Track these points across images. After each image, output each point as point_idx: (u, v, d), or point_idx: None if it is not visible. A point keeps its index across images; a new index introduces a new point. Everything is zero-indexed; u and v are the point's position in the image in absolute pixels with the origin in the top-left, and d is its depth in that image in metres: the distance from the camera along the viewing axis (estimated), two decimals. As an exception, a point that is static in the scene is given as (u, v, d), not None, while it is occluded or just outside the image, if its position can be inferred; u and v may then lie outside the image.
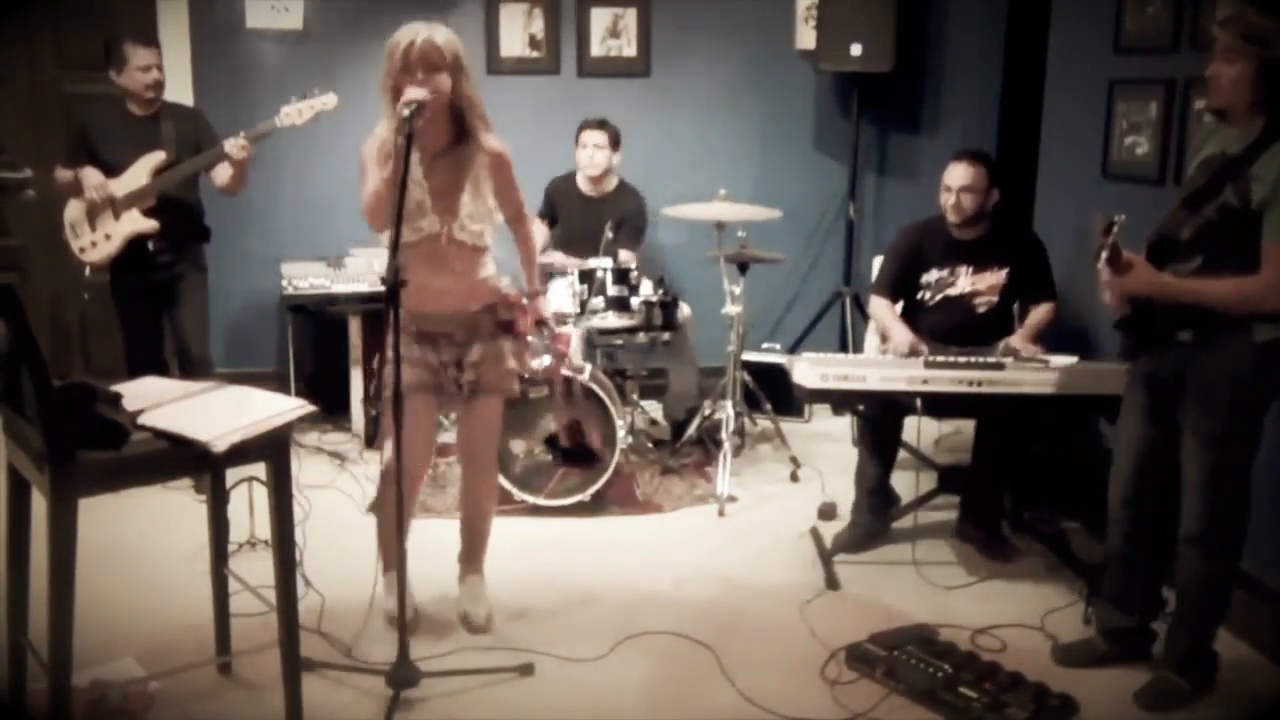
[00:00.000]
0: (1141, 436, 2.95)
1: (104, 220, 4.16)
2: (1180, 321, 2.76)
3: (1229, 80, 2.64)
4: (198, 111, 4.48)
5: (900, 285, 4.06)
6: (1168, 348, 2.81)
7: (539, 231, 4.98)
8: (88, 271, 4.24)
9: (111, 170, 4.13)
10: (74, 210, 4.20)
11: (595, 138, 4.88)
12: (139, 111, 4.21)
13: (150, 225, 4.16)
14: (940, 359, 3.57)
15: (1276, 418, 2.97)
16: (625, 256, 4.85)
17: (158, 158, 4.16)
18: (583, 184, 4.99)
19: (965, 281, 3.97)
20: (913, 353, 3.74)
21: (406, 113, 2.70)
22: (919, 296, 4.04)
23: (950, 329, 3.93)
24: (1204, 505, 2.80)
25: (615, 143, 4.92)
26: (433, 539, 3.57)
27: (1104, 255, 2.71)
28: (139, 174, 4.14)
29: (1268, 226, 2.60)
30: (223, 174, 4.23)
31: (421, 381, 3.07)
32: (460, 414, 3.28)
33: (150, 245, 4.20)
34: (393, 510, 2.85)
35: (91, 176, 4.10)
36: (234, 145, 4.07)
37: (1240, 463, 2.79)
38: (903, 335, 3.86)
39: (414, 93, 2.76)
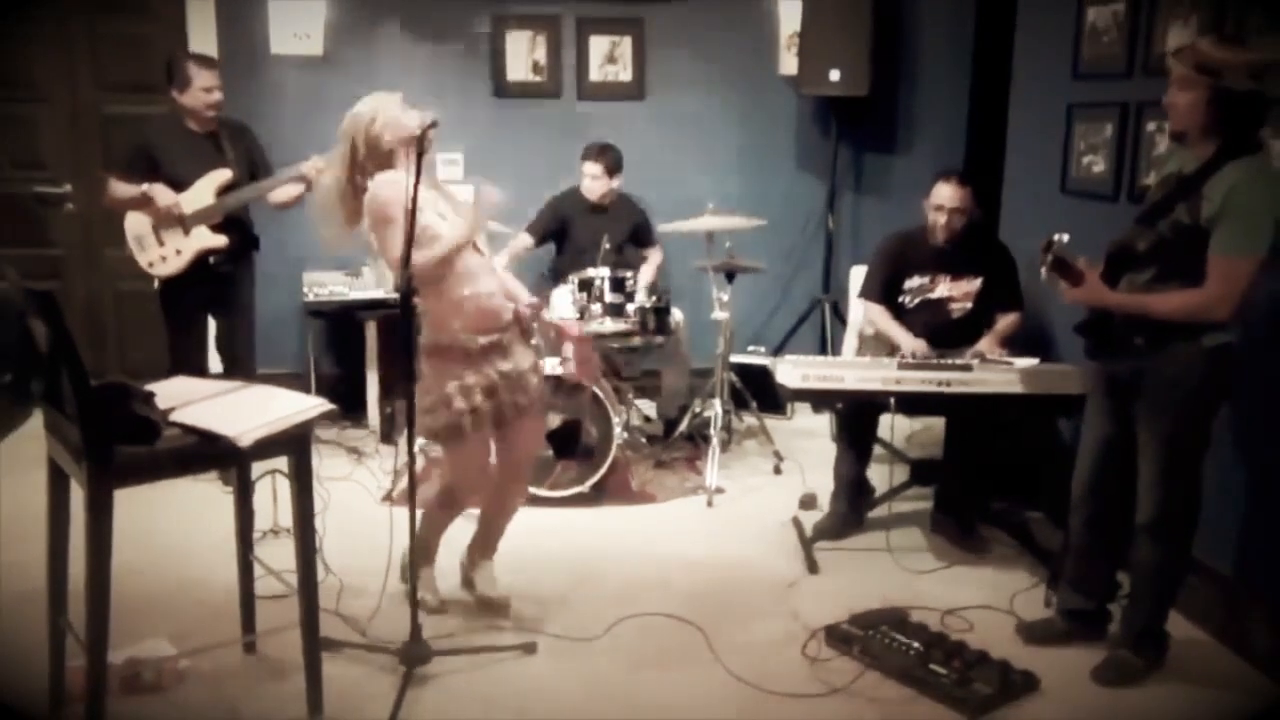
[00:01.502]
0: (1102, 434, 2.96)
1: (172, 235, 4.06)
2: (1134, 328, 2.77)
3: (1184, 107, 2.65)
4: (246, 126, 4.38)
5: (888, 291, 4.06)
6: (1125, 351, 2.82)
7: (521, 241, 4.87)
8: (156, 284, 4.15)
9: (175, 186, 4.03)
10: (138, 224, 4.08)
11: (592, 169, 4.82)
12: (198, 129, 4.13)
13: (221, 241, 4.09)
14: (912, 360, 3.57)
15: (1224, 418, 2.98)
16: (654, 256, 5.01)
17: (224, 175, 4.09)
18: (589, 194, 4.97)
19: (943, 288, 3.97)
20: (921, 353, 3.73)
21: (429, 120, 2.71)
22: (900, 300, 4.04)
23: (926, 331, 3.93)
24: (1158, 498, 2.80)
25: (612, 170, 4.84)
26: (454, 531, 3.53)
27: (1043, 271, 2.79)
28: (205, 192, 4.06)
29: (1213, 241, 2.61)
30: (286, 192, 4.14)
31: (484, 416, 2.93)
32: (509, 432, 3.07)
33: (211, 259, 4.12)
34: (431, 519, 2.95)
35: (164, 195, 3.99)
36: (310, 166, 4.00)
37: (1191, 460, 2.80)
38: (909, 341, 3.84)
39: (429, 115, 2.77)
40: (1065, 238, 2.78)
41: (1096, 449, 2.98)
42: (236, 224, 4.18)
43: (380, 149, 2.87)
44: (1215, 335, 2.69)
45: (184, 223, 4.04)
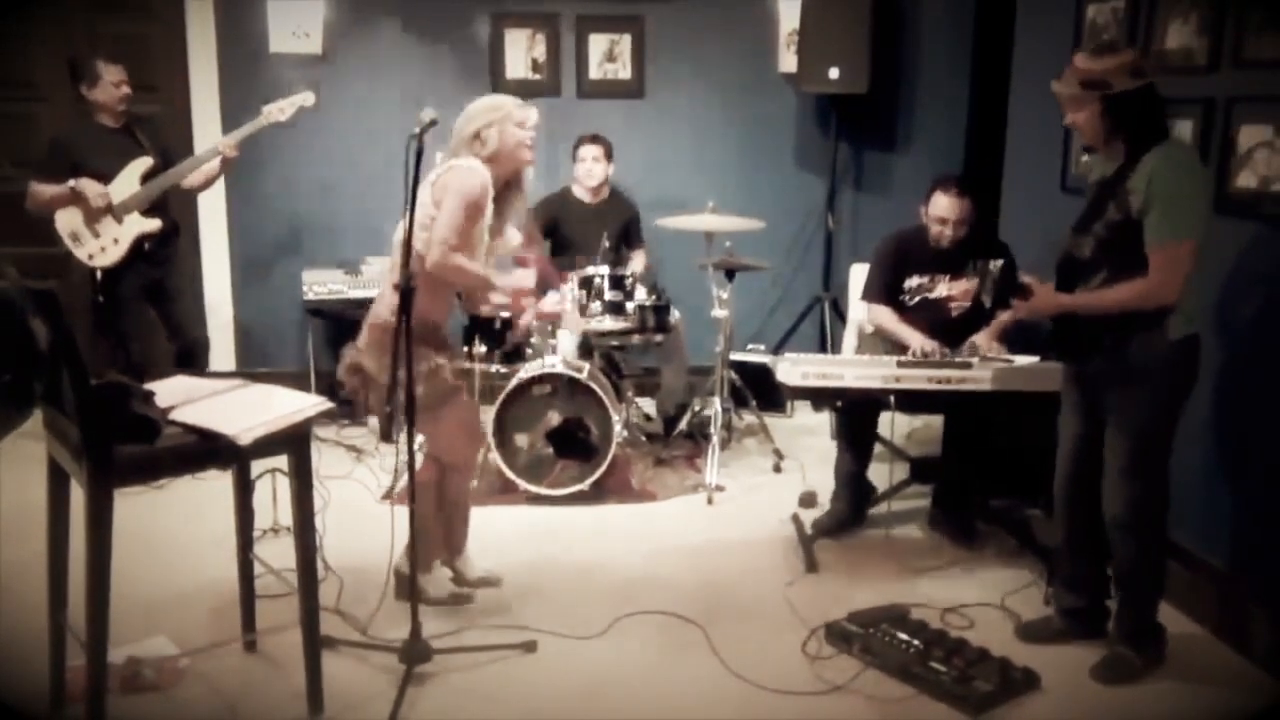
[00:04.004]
0: (1075, 431, 2.98)
1: (106, 226, 4.16)
2: (1099, 326, 2.79)
3: (1084, 124, 2.75)
4: (153, 117, 4.55)
5: (889, 291, 4.05)
6: (1094, 350, 2.84)
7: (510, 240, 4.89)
8: (98, 275, 4.23)
9: (99, 180, 4.14)
10: (70, 220, 4.18)
11: (593, 151, 4.90)
12: (111, 124, 4.25)
13: (155, 224, 4.21)
14: (911, 359, 3.56)
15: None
16: (639, 258, 5.00)
17: (146, 163, 4.20)
18: (581, 194, 4.99)
19: (943, 288, 3.96)
20: (936, 352, 3.73)
21: (427, 119, 2.70)
22: (899, 299, 4.03)
23: (926, 330, 3.92)
24: (1125, 493, 2.81)
25: (609, 154, 4.94)
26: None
27: (986, 299, 2.94)
28: (130, 180, 4.17)
29: (1147, 232, 2.66)
30: (204, 173, 4.30)
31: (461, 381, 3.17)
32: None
33: (145, 244, 4.23)
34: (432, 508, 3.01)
35: (92, 187, 4.11)
36: (226, 144, 4.16)
37: (1157, 455, 2.81)
38: (919, 340, 3.82)
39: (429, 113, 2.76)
40: (1000, 263, 2.89)
41: (1072, 447, 3.00)
42: (163, 209, 4.30)
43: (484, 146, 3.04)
44: (1180, 326, 2.72)
45: (115, 211, 4.15)
